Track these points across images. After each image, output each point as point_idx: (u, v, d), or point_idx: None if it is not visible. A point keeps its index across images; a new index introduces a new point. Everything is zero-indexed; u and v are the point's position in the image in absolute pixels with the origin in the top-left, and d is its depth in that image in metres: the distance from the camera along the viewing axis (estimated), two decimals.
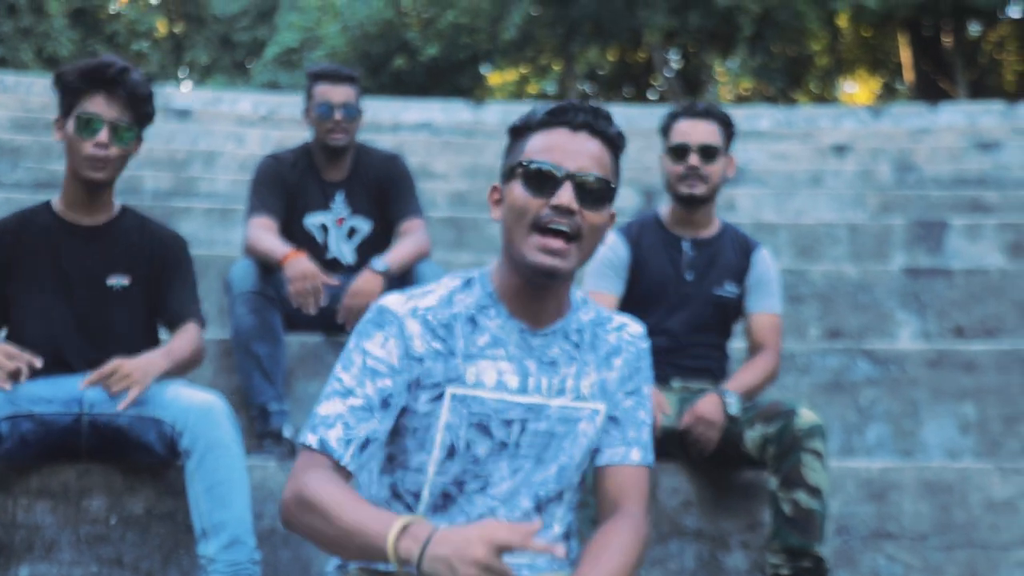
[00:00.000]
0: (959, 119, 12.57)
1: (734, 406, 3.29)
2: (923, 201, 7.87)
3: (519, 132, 2.10)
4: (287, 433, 3.92)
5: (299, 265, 3.96)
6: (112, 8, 26.86)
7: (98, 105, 3.03)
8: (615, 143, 2.09)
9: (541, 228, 1.99)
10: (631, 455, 2.17)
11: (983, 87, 20.39)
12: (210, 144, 10.45)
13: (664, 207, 3.72)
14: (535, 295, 2.08)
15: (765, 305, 3.60)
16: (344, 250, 4.38)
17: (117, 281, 3.16)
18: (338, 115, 4.29)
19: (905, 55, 20.76)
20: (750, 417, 3.24)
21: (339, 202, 4.38)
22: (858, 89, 25.29)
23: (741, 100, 23.18)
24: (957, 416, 4.48)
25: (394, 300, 2.09)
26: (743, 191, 8.36)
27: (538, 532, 1.98)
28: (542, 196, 2.00)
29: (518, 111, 14.56)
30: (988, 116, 12.58)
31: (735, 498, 3.44)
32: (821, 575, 3.06)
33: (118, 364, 2.91)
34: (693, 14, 18.47)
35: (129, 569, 3.08)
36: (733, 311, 3.64)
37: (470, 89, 22.79)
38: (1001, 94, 20.17)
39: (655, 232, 3.66)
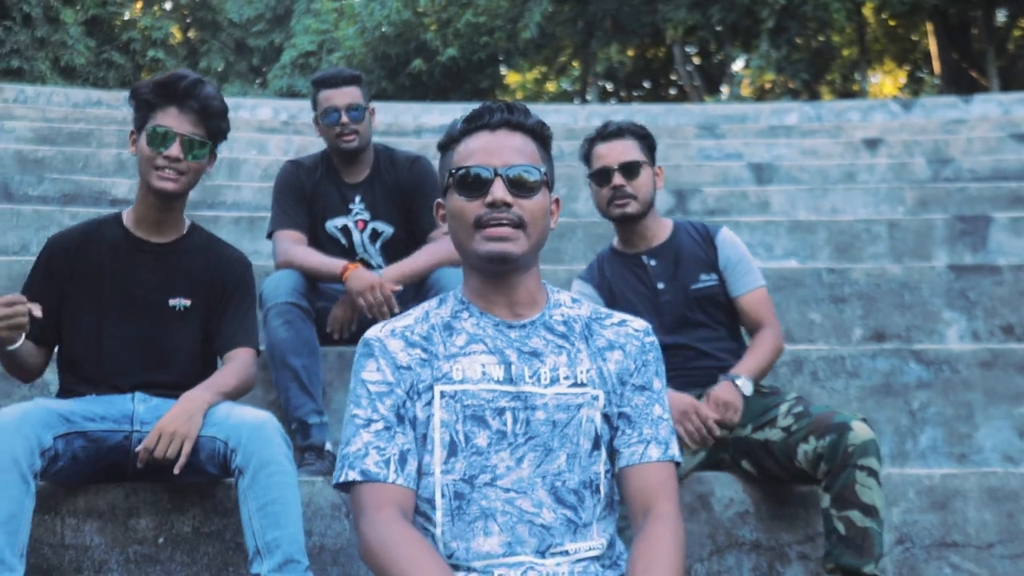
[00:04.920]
0: (993, 110, 12.39)
1: (748, 386, 3.28)
2: (962, 195, 7.72)
3: (446, 147, 2.22)
4: (329, 446, 3.84)
5: (362, 277, 3.88)
6: (126, 15, 26.85)
7: (170, 119, 3.03)
8: (536, 132, 2.20)
9: (483, 225, 2.11)
10: (649, 452, 2.19)
11: (1014, 76, 20.15)
12: (232, 151, 10.38)
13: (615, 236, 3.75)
14: (501, 289, 2.19)
15: (745, 283, 3.59)
16: (371, 251, 4.30)
17: (179, 302, 3.13)
18: (344, 118, 4.23)
19: (932, 45, 20.53)
20: (803, 429, 3.13)
21: (358, 204, 4.30)
22: (884, 81, 25.06)
23: (764, 94, 23.00)
24: (1013, 418, 4.35)
25: (373, 330, 2.22)
26: (775, 188, 8.21)
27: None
28: (477, 197, 2.12)
29: (541, 111, 14.52)
30: (1023, 106, 12.39)
31: (793, 508, 3.33)
32: None
33: (160, 428, 2.81)
34: (714, 8, 18.31)
35: None
36: (721, 299, 3.59)
37: (489, 90, 22.70)
38: None
39: (615, 261, 3.69)
